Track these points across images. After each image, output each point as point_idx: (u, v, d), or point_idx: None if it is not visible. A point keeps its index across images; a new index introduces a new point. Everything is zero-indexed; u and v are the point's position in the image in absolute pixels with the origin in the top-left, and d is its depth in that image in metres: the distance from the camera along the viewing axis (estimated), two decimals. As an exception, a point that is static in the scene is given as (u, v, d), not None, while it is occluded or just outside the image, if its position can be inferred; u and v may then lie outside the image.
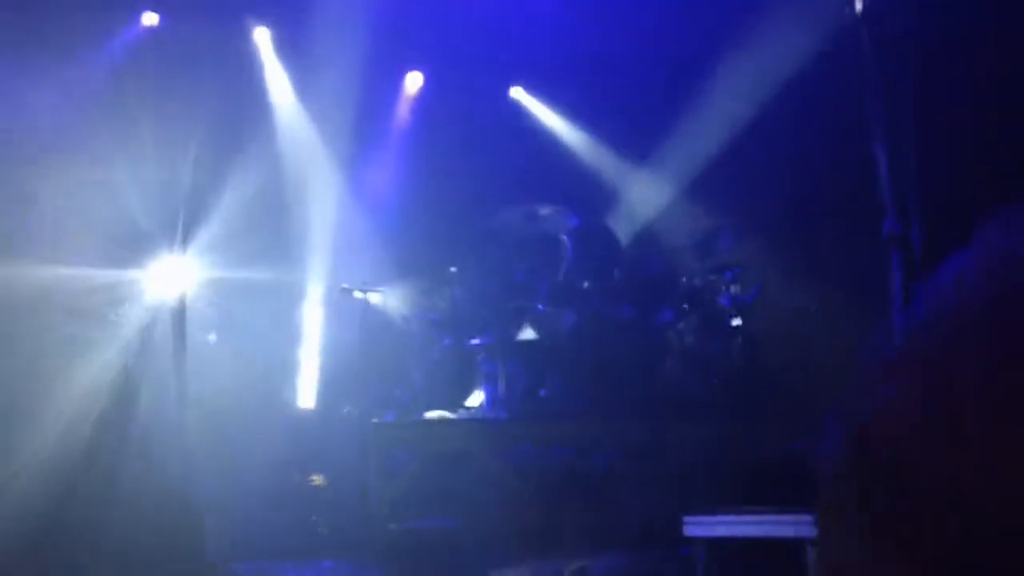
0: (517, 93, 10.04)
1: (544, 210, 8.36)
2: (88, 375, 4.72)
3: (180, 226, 6.10)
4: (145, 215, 6.92)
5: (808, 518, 4.16)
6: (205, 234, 7.35)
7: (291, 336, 8.58)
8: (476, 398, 7.80)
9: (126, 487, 4.56)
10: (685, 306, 7.48)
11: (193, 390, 5.86)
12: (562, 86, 9.55)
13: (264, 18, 8.89)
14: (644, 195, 9.22)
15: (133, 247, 6.59)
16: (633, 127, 9.03)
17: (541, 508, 6.50)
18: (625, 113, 9.01)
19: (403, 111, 9.77)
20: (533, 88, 10.00)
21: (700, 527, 4.66)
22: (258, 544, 6.59)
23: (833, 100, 7.37)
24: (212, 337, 7.50)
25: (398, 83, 9.75)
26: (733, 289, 7.30)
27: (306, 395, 8.51)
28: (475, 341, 7.84)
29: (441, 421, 7.36)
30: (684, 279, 7.68)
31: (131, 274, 6.35)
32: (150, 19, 8.21)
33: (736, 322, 7.24)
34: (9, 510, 3.80)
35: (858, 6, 5.43)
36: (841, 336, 6.65)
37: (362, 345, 7.80)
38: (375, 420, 7.37)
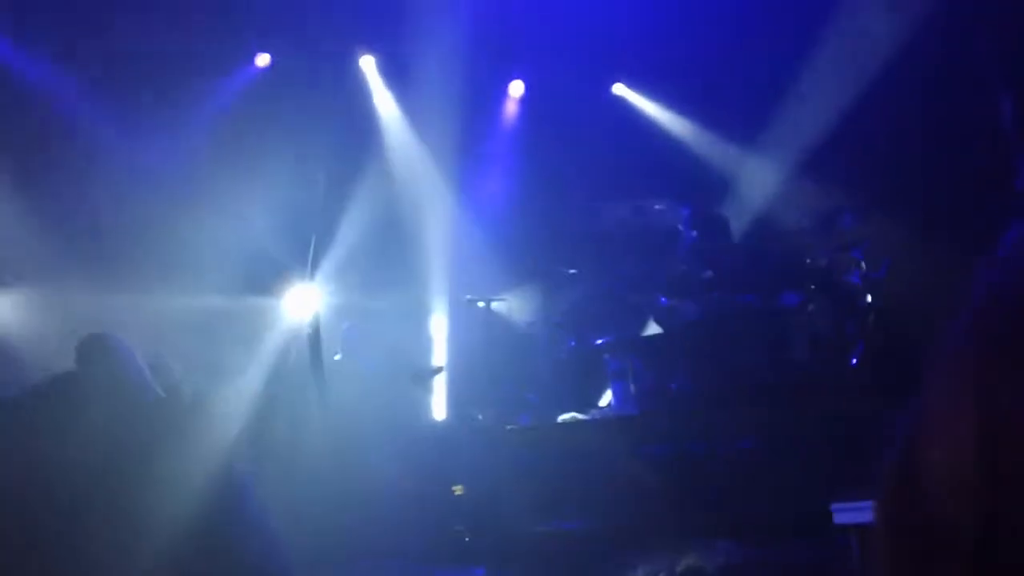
0: (619, 89, 10.00)
1: (655, 204, 8.33)
2: (227, 399, 4.94)
3: (311, 254, 6.34)
4: (276, 244, 7.22)
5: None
6: (333, 259, 7.58)
7: (421, 350, 8.75)
8: (606, 397, 7.80)
9: (256, 510, 4.72)
10: (812, 287, 7.30)
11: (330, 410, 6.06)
12: (664, 78, 9.45)
13: (369, 46, 9.12)
14: (758, 179, 9.04)
15: (267, 275, 6.87)
16: (740, 112, 8.86)
17: (681, 503, 6.44)
18: (731, 98, 8.86)
19: (508, 119, 9.86)
20: (635, 83, 9.93)
21: (850, 513, 4.54)
22: (401, 553, 6.73)
23: (948, 61, 7.09)
24: (337, 357, 7.72)
25: (501, 93, 9.84)
26: (862, 266, 7.10)
27: (438, 406, 8.66)
28: (600, 340, 7.85)
29: (576, 422, 7.39)
30: (808, 260, 7.50)
31: (267, 301, 6.63)
32: (263, 60, 8.56)
33: (868, 299, 7.03)
34: (150, 529, 4.00)
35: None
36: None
37: (490, 353, 7.92)
38: (509, 426, 7.45)
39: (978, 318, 0.62)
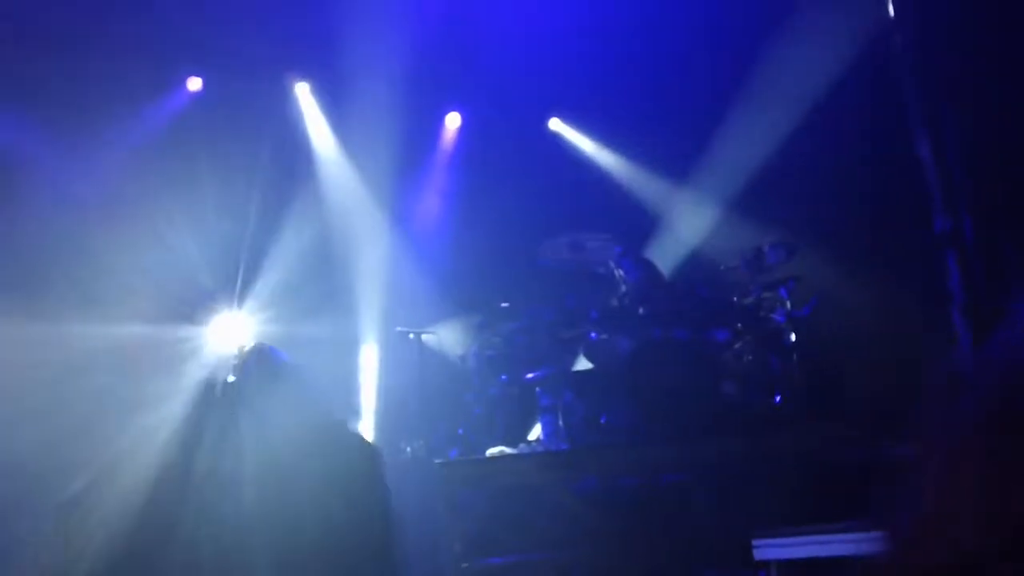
0: (555, 124, 10.09)
1: (590, 240, 8.39)
2: (147, 434, 4.81)
3: (238, 282, 6.23)
4: (204, 272, 7.08)
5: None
6: (261, 288, 7.47)
7: (349, 382, 8.65)
8: (536, 431, 7.79)
9: (181, 546, 4.61)
10: (739, 325, 7.41)
11: (254, 444, 5.93)
12: (599, 114, 9.59)
13: (303, 73, 9.07)
14: (690, 216, 9.19)
15: (192, 304, 6.74)
16: (672, 149, 9.02)
17: (612, 538, 6.44)
18: (663, 136, 9.01)
19: (444, 152, 9.88)
20: (571, 118, 10.04)
21: (770, 549, 4.59)
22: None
23: (873, 103, 7.33)
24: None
25: (437, 125, 9.87)
26: (788, 304, 7.23)
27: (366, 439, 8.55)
28: (531, 375, 7.84)
29: (505, 457, 7.35)
30: (736, 298, 7.61)
31: (191, 330, 6.49)
32: (194, 84, 8.46)
33: (792, 337, 7.16)
34: (65, 568, 3.88)
35: (891, 8, 5.39)
36: (903, 341, 6.53)
37: (421, 386, 7.85)
38: (438, 460, 7.38)
39: (989, 408, 0.56)
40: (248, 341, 5.17)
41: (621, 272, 8.07)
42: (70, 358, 5.98)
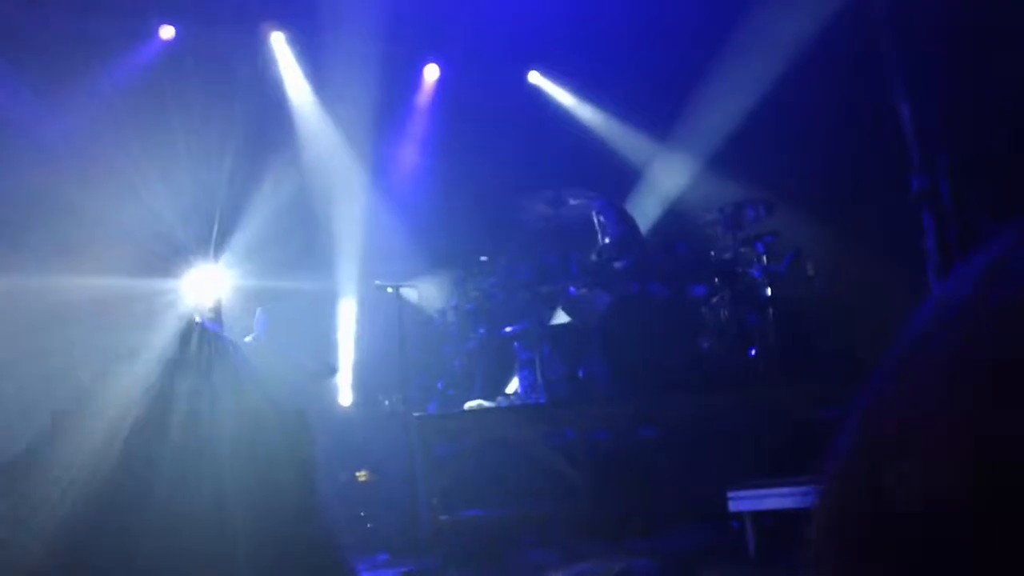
0: (535, 78, 10.00)
1: (570, 195, 8.36)
2: (122, 387, 4.76)
3: (214, 235, 6.16)
4: (179, 225, 7.01)
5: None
6: (239, 241, 7.41)
7: (327, 337, 8.63)
8: (513, 384, 7.82)
9: (157, 509, 4.59)
10: (716, 280, 7.43)
11: (230, 398, 5.90)
12: (579, 68, 9.50)
13: (279, 22, 8.92)
14: (669, 172, 9.17)
15: (168, 257, 6.67)
16: (653, 104, 8.97)
17: (588, 491, 6.49)
18: (644, 91, 8.95)
19: (423, 104, 9.78)
20: (551, 71, 9.95)
21: (745, 501, 4.64)
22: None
23: (854, 62, 7.31)
24: (248, 338, 7.54)
25: (416, 77, 9.75)
26: (764, 259, 7.25)
27: (345, 392, 8.57)
28: (509, 328, 7.85)
29: (483, 410, 7.38)
30: (713, 253, 7.63)
31: (167, 283, 6.43)
32: (167, 32, 8.29)
33: (768, 292, 7.18)
34: (36, 531, 3.85)
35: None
36: (878, 297, 6.56)
37: (399, 340, 7.84)
38: (417, 413, 7.41)
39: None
40: (194, 314, 5.12)
41: (603, 220, 8.05)
42: (43, 310, 5.92)
